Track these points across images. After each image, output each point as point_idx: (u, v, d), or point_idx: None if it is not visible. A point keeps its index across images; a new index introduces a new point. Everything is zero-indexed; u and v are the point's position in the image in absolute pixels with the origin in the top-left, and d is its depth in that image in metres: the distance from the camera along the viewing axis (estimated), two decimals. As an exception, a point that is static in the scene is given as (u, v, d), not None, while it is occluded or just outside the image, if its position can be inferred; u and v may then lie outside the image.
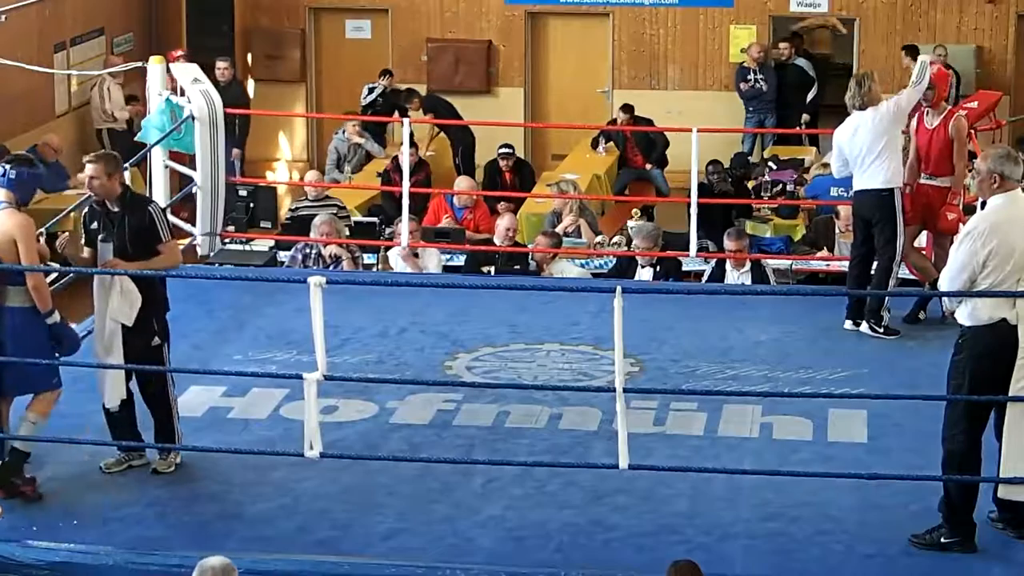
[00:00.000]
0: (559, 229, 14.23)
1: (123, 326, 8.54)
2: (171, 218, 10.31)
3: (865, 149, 10.72)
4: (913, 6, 20.01)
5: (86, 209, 8.85)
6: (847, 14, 20.31)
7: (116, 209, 8.66)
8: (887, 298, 10.85)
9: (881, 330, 10.86)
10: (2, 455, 8.50)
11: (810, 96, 19.82)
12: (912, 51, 19.00)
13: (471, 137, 18.93)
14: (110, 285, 8.49)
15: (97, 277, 8.55)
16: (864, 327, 10.91)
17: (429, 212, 15.07)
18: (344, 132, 18.69)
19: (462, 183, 15.67)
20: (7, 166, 8.40)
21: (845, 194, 12.64)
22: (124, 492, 8.58)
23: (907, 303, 11.24)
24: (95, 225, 8.70)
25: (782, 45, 20.01)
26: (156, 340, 8.70)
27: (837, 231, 13.94)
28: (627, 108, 18.35)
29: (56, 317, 8.42)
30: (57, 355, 8.51)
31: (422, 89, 19.71)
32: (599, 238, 14.77)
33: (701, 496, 8.49)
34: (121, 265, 8.53)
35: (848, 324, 11.01)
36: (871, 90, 10.80)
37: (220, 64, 18.23)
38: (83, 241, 8.76)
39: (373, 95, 19.48)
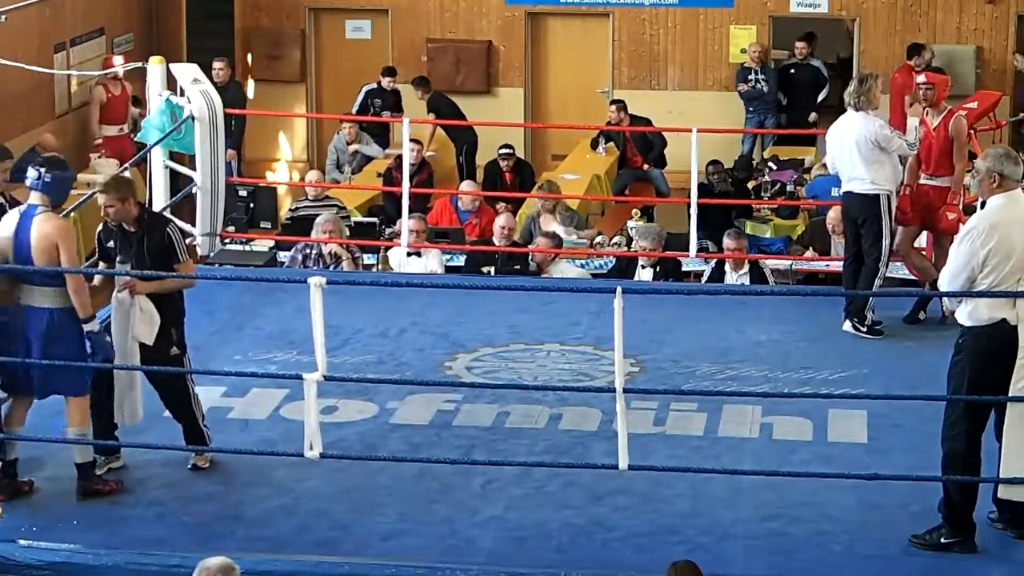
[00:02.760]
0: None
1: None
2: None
3: (853, 152, 10.73)
4: (913, 6, 20.00)
5: (100, 226, 8.85)
6: (847, 14, 20.31)
7: (133, 229, 8.68)
8: (871, 299, 10.85)
9: (864, 329, 10.87)
10: (3, 455, 8.49)
11: (821, 96, 19.81)
12: (916, 49, 19.00)
13: (474, 136, 18.94)
14: (129, 305, 8.51)
15: (115, 298, 8.56)
16: (847, 326, 10.91)
17: (433, 215, 15.07)
18: (343, 132, 18.71)
19: (466, 188, 15.67)
20: (41, 170, 8.35)
21: (845, 194, 12.64)
22: (124, 492, 8.58)
23: (906, 303, 11.25)
24: (111, 244, 8.73)
25: (799, 44, 19.93)
26: (175, 350, 8.72)
27: (831, 231, 13.93)
28: (617, 102, 18.33)
29: (95, 325, 8.35)
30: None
31: (424, 89, 19.71)
32: (599, 238, 14.77)
33: (701, 496, 8.49)
34: (139, 287, 8.52)
35: (847, 325, 11.01)
36: (871, 90, 10.79)
37: (216, 64, 18.21)
38: (97, 257, 8.76)
39: (360, 99, 19.48)
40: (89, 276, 8.68)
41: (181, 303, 8.83)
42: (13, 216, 8.42)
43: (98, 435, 8.66)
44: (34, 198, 8.37)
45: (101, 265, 8.74)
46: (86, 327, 8.32)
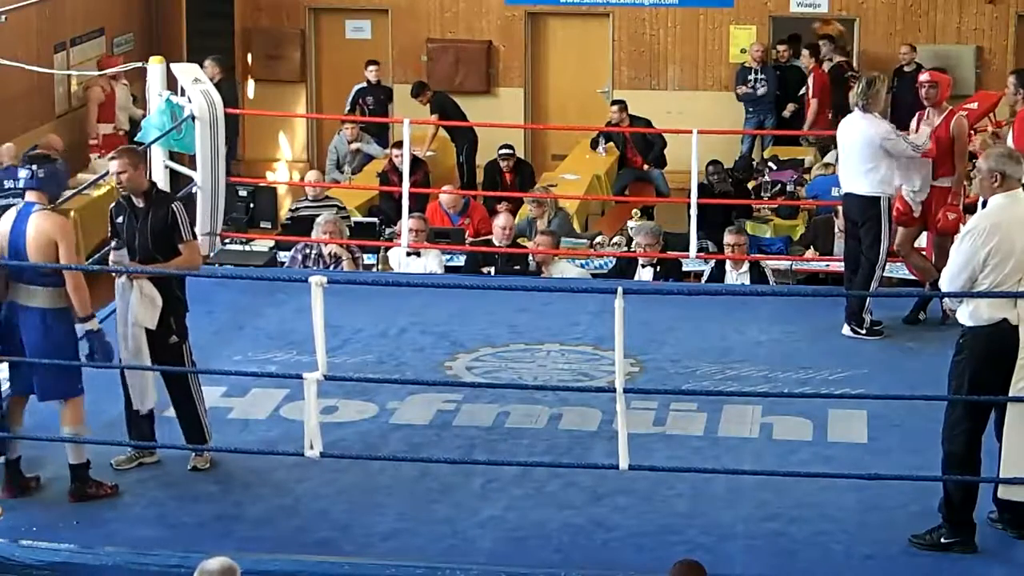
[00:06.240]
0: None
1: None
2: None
3: (855, 153, 10.73)
4: (913, 6, 20.01)
5: (114, 203, 8.87)
6: (847, 14, 20.32)
7: (141, 205, 8.67)
8: (868, 302, 10.84)
9: (863, 332, 10.86)
10: (3, 452, 8.48)
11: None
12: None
13: (474, 136, 18.97)
14: (129, 289, 8.50)
15: (117, 283, 8.55)
16: (846, 330, 10.90)
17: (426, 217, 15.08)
18: (343, 132, 18.73)
19: (446, 191, 15.66)
20: (33, 167, 8.33)
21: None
22: (124, 492, 8.58)
23: (906, 303, 11.24)
24: (121, 219, 8.73)
25: (780, 47, 20.04)
26: (173, 338, 8.69)
27: (836, 231, 13.93)
28: (617, 102, 18.34)
29: (94, 324, 8.30)
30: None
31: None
32: (599, 238, 14.77)
33: (701, 496, 8.49)
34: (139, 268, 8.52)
35: (846, 329, 10.97)
36: (878, 93, 10.78)
37: (206, 64, 18.17)
38: (109, 234, 8.78)
39: (351, 98, 19.55)
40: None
41: (181, 290, 8.78)
42: (10, 214, 8.40)
43: (137, 431, 8.70)
44: (30, 196, 8.34)
45: (114, 242, 8.72)
46: (85, 326, 8.28)
